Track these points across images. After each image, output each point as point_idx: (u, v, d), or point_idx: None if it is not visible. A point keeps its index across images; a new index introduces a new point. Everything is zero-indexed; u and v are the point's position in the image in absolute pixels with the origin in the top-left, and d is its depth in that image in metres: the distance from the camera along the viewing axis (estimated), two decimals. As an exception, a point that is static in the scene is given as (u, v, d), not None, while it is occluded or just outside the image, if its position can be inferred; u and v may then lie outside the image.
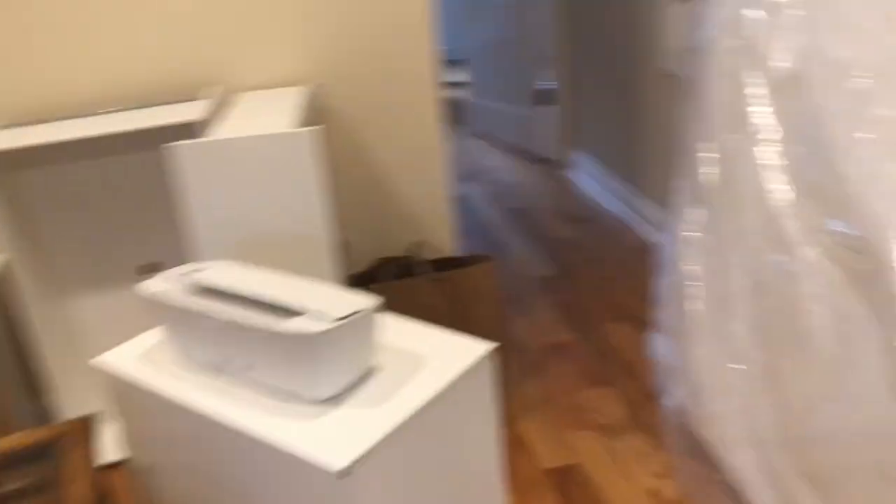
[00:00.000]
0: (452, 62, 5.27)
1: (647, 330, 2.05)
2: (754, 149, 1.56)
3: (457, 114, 5.02)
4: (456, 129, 4.74)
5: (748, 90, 1.57)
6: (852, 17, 1.24)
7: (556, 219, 3.25)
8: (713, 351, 1.68)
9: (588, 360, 2.18)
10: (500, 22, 3.99)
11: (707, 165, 1.71)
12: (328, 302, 1.02)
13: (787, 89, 1.47)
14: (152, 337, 1.25)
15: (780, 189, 1.50)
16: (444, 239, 2.19)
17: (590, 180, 3.55)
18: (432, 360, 1.09)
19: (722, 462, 1.55)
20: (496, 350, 1.10)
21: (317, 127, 1.47)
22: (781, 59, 1.47)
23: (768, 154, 1.53)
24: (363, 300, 1.04)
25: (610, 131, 3.29)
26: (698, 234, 1.73)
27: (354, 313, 1.00)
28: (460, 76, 4.71)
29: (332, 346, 0.99)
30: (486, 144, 4.38)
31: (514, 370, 2.15)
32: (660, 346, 1.89)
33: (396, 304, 1.96)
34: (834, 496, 1.34)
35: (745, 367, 1.59)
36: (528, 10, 3.74)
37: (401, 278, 1.97)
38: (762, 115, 1.55)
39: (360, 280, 1.99)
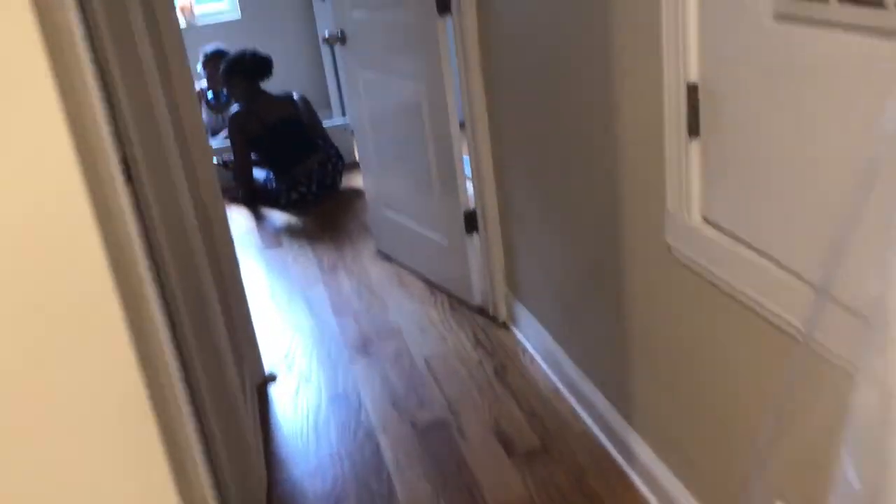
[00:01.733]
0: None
1: None
2: None
3: (361, 222, 3.74)
4: (359, 244, 3.48)
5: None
6: None
7: (491, 450, 2.01)
8: None
9: None
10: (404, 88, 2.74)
11: None
12: None
13: None
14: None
15: None
16: None
17: (538, 356, 2.33)
18: None
19: None
20: None
21: None
22: None
23: None
24: None
25: (562, 294, 2.06)
26: None
27: None
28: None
29: None
30: (396, 274, 3.11)
31: None
32: None
33: None
34: None
35: None
36: (434, 75, 2.50)
37: None
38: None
39: None
